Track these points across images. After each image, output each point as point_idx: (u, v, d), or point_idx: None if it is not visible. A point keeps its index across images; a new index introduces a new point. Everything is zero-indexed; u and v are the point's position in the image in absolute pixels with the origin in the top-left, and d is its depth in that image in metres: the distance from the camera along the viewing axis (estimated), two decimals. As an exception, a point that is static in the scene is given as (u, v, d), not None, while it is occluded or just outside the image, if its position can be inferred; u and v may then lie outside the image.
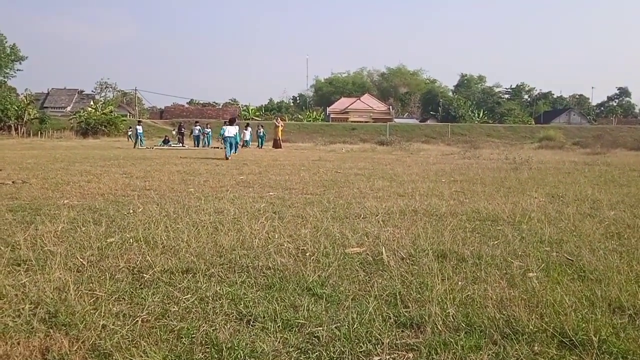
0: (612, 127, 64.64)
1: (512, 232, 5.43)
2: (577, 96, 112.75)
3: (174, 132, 36.60)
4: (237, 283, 3.58)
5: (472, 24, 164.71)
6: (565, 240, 5.05)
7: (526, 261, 4.21)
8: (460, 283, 3.58)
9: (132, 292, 3.38)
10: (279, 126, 31.72)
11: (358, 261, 4.23)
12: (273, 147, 30.96)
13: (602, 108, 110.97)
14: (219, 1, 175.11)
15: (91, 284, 3.47)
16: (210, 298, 3.28)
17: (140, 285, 3.52)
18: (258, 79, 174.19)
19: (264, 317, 2.97)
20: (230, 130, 20.93)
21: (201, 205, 7.06)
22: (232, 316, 3.02)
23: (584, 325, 2.83)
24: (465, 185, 10.13)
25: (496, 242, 4.97)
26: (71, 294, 3.22)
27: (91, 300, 3.19)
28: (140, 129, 34.36)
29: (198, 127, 35.13)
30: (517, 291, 3.42)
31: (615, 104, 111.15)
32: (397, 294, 3.35)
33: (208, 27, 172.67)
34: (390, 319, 2.97)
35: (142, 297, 3.27)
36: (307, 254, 4.38)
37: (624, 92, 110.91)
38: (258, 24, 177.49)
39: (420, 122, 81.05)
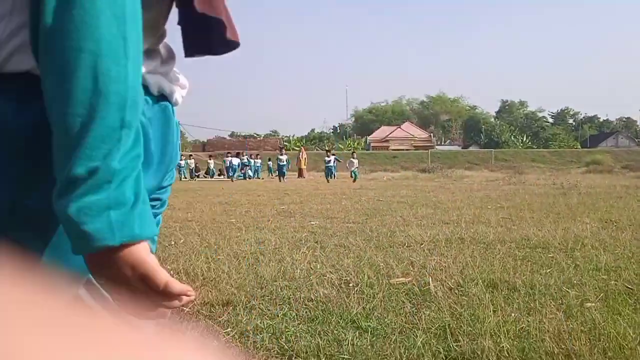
0: (663, 150, 62.67)
1: (565, 259, 5.18)
2: (624, 119, 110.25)
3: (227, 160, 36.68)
4: (278, 316, 3.45)
5: (510, 49, 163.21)
6: (623, 268, 4.77)
7: (583, 290, 3.97)
8: (513, 314, 3.37)
9: (171, 326, 3.29)
10: (301, 157, 32.82)
11: (404, 292, 4.06)
12: (298, 176, 32.12)
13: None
14: (257, 32, 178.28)
15: (130, 318, 3.40)
16: (250, 332, 3.16)
17: (179, 319, 3.43)
18: (299, 110, 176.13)
19: (306, 352, 2.83)
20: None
21: (242, 235, 7.00)
22: (274, 351, 2.89)
23: (652, 360, 2.60)
24: (512, 212, 9.83)
25: (549, 270, 4.73)
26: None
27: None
28: (230, 160, 35.33)
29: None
30: (575, 323, 3.19)
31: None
32: (447, 327, 3.17)
33: (248, 59, 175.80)
34: (441, 353, 2.79)
35: (181, 332, 3.18)
36: (351, 285, 4.24)
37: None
38: (298, 54, 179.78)
39: (462, 148, 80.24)
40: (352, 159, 28.37)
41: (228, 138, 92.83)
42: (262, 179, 33.22)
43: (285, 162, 27.51)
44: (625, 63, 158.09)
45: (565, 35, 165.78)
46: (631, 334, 2.96)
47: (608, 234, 6.83)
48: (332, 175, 28.44)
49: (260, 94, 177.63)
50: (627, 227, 7.37)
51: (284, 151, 29.66)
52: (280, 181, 25.67)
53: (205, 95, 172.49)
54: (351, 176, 27.19)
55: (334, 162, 28.15)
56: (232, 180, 30.38)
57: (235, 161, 34.19)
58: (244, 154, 39.94)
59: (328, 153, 28.52)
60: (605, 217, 8.77)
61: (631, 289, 4.05)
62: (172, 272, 4.70)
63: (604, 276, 4.50)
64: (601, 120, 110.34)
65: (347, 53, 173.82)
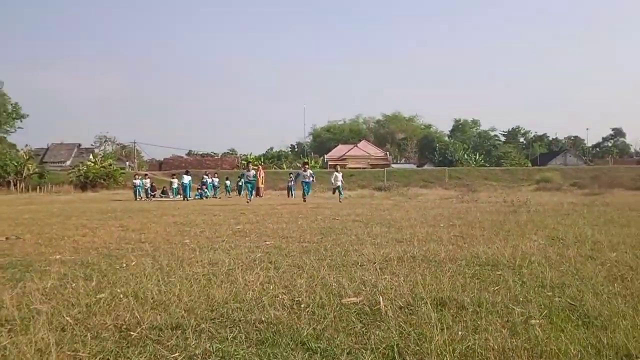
0: (609, 168, 64.75)
1: (512, 277, 5.31)
2: (572, 138, 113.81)
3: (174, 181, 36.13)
4: (228, 339, 3.44)
5: (462, 69, 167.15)
6: (568, 284, 4.92)
7: (528, 307, 4.07)
8: (460, 333, 3.44)
9: (117, 352, 3.23)
10: (259, 176, 32.84)
11: (355, 312, 4.10)
12: (256, 195, 31.67)
13: (597, 149, 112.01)
14: (212, 52, 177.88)
15: (75, 344, 3.33)
16: (199, 356, 3.14)
17: (127, 344, 3.38)
18: (256, 129, 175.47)
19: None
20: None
21: (195, 257, 6.93)
22: (222, 375, 2.88)
23: (591, 375, 2.69)
24: (464, 230, 10.01)
25: (497, 287, 4.84)
26: (53, 356, 3.08)
27: (74, 362, 3.05)
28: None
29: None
30: (519, 340, 3.28)
31: (610, 145, 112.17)
32: (395, 347, 3.21)
33: (204, 79, 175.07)
34: (388, 373, 2.83)
35: (128, 357, 3.13)
36: (302, 306, 4.25)
37: (618, 132, 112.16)
38: (255, 74, 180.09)
39: (417, 167, 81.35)
40: (336, 173, 24.04)
41: (185, 157, 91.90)
42: (219, 197, 32.94)
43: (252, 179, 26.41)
44: (572, 83, 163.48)
45: (515, 55, 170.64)
46: (572, 350, 3.05)
47: (554, 251, 7.03)
48: (295, 192, 28.39)
49: (218, 112, 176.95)
50: (573, 244, 7.60)
51: (250, 166, 28.00)
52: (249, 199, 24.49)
53: (161, 114, 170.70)
54: (334, 193, 24.97)
55: (310, 177, 24.18)
56: (187, 200, 30.02)
57: (187, 179, 33.74)
58: (207, 173, 39.64)
59: (305, 166, 25.64)
60: (553, 234, 9.01)
61: (574, 305, 4.17)
62: (121, 295, 4.63)
63: (549, 293, 4.62)
64: (550, 138, 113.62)
65: (305, 72, 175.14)
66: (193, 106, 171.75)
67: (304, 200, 22.32)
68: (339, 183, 23.70)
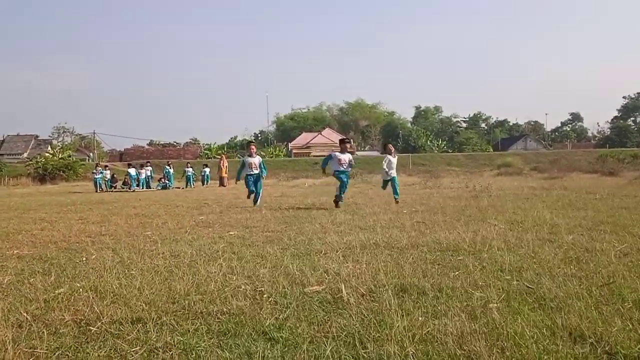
0: (567, 152, 66.21)
1: (473, 261, 5.39)
2: (532, 123, 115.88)
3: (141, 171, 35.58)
4: (189, 331, 3.41)
5: (424, 56, 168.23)
6: (525, 268, 5.02)
7: (487, 292, 4.15)
8: (420, 318, 3.49)
9: (76, 347, 3.18)
10: (223, 165, 32.86)
11: (317, 300, 4.11)
12: (219, 185, 31.90)
13: (556, 133, 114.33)
14: (173, 40, 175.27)
15: (32, 341, 3.26)
16: (160, 349, 3.11)
17: (85, 339, 3.32)
18: (219, 118, 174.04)
19: (216, 367, 2.82)
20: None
21: (157, 248, 6.86)
22: (183, 368, 2.86)
23: (545, 357, 2.76)
24: (426, 216, 10.13)
25: (457, 273, 4.91)
26: (9, 353, 3.02)
27: (31, 359, 2.99)
28: (190, 170, 35.49)
29: (191, 169, 35.60)
30: (477, 324, 3.34)
31: (568, 129, 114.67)
32: (356, 334, 3.24)
33: (165, 67, 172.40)
34: (349, 361, 2.85)
35: (87, 352, 3.09)
36: (265, 296, 4.25)
37: (576, 117, 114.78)
38: (216, 62, 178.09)
39: (381, 154, 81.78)
40: (390, 157, 15.08)
41: (146, 147, 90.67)
42: (181, 188, 32.58)
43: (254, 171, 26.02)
44: (532, 69, 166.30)
45: (475, 42, 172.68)
46: (528, 333, 3.12)
47: (514, 235, 7.16)
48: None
49: (179, 101, 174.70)
50: (532, 228, 7.76)
51: (253, 149, 27.10)
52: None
53: (122, 103, 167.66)
54: (384, 188, 15.73)
55: (349, 164, 21.47)
56: (134, 191, 29.74)
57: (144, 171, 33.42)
58: (169, 163, 39.20)
59: (346, 144, 23.83)
60: (513, 218, 9.19)
61: (531, 288, 4.27)
62: (81, 289, 4.56)
63: (507, 277, 4.71)
64: (511, 124, 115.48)
65: (267, 59, 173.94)
66: (154, 95, 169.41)
67: (338, 203, 13.04)
68: (394, 172, 14.90)
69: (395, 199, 13.91)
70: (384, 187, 15.60)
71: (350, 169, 13.88)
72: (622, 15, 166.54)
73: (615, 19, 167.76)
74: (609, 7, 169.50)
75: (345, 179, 13.58)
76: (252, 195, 14.31)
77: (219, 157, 42.95)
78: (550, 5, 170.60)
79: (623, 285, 4.20)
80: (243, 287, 4.54)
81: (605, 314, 3.49)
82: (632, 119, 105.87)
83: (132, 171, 32.80)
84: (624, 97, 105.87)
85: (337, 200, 13.10)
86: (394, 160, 15.06)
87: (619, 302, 3.75)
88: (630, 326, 3.23)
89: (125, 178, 33.24)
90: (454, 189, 19.77)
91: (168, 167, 36.55)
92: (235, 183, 16.69)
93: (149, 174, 34.55)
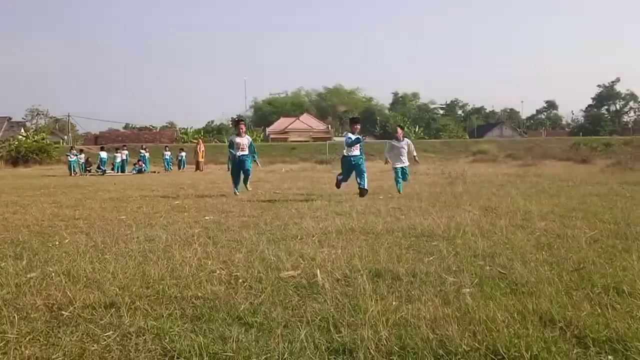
0: (542, 139, 66.79)
1: (447, 247, 5.44)
2: (508, 110, 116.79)
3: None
4: (163, 316, 3.40)
5: (402, 42, 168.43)
6: (498, 254, 5.08)
7: (460, 277, 4.19)
8: (394, 303, 3.52)
9: (48, 332, 3.15)
10: (199, 150, 32.89)
11: (292, 285, 4.12)
12: (196, 169, 31.91)
13: (532, 121, 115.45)
14: (150, 24, 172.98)
15: (3, 325, 3.22)
16: (133, 334, 3.09)
17: (57, 324, 3.29)
18: (196, 102, 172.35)
19: (189, 352, 2.81)
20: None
21: (132, 233, 6.81)
22: (156, 352, 2.85)
23: (516, 341, 2.80)
24: (402, 202, 10.19)
25: (431, 258, 4.96)
26: (-21, 339, 2.98)
27: (1, 344, 2.95)
28: (168, 154, 36.02)
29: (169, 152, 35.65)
30: (450, 309, 3.37)
31: (544, 117, 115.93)
32: (330, 318, 3.25)
33: (141, 50, 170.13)
34: (322, 345, 2.87)
35: (59, 337, 3.05)
36: (240, 281, 4.25)
37: (551, 105, 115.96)
38: (194, 46, 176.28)
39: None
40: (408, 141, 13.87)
41: (122, 130, 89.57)
42: (158, 172, 32.26)
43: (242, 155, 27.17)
44: (508, 56, 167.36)
45: (452, 29, 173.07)
46: (499, 317, 3.17)
47: (488, 221, 7.24)
48: None
49: (156, 85, 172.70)
50: (505, 214, 7.85)
51: (242, 128, 27.28)
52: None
53: (97, 86, 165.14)
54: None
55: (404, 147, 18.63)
56: (103, 173, 29.75)
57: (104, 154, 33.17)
58: (143, 147, 38.79)
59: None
60: (487, 204, 9.28)
61: (504, 273, 4.32)
62: (53, 274, 4.50)
63: (480, 262, 4.77)
64: (487, 111, 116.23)
65: (245, 43, 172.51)
66: (130, 79, 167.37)
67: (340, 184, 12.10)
68: (400, 162, 13.14)
69: (399, 190, 12.39)
70: (399, 178, 12.95)
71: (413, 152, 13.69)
72: (598, 4, 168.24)
73: (592, 8, 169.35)
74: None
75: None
76: (237, 187, 12.97)
77: (196, 141, 42.65)
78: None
79: (593, 271, 4.28)
80: (218, 272, 4.53)
81: (575, 299, 3.55)
82: (605, 107, 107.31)
83: (104, 154, 32.58)
84: (598, 86, 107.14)
85: (339, 182, 12.07)
86: (399, 145, 13.17)
87: (589, 287, 3.82)
88: (599, 311, 3.29)
89: (98, 163, 32.86)
90: (429, 175, 19.93)
91: (143, 151, 36.18)
92: (228, 170, 13.92)
93: (124, 157, 34.22)
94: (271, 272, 4.52)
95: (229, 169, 13.71)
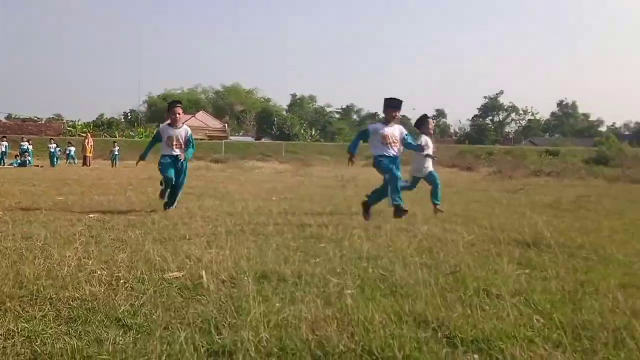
0: (432, 146, 69.68)
1: (334, 249, 5.57)
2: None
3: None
4: (36, 318, 3.24)
5: (302, 46, 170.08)
6: (382, 256, 5.27)
7: (344, 279, 4.30)
8: (277, 305, 3.56)
9: None
10: (87, 144, 31.88)
11: (177, 287, 4.07)
12: (83, 164, 30.87)
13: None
14: (36, 9, 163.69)
15: None
16: (2, 337, 2.94)
17: None
18: (87, 94, 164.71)
19: (61, 355, 2.71)
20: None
21: (8, 230, 6.42)
22: (26, 356, 2.72)
23: (390, 341, 2.92)
24: (294, 203, 10.30)
25: (318, 260, 5.05)
26: None
27: None
28: (54, 147, 33.66)
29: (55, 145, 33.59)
30: (332, 310, 3.46)
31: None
32: (212, 321, 3.24)
33: (27, 36, 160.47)
34: (202, 347, 2.85)
35: None
36: (122, 282, 4.13)
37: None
38: (85, 36, 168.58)
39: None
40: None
41: (4, 121, 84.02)
42: (42, 167, 30.54)
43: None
44: (401, 65, 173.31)
45: (351, 36, 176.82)
46: (377, 318, 3.29)
47: (375, 224, 7.48)
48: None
49: (42, 73, 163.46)
50: (392, 218, 8.11)
51: (178, 113, 26.41)
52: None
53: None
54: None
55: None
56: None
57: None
58: (24, 139, 36.58)
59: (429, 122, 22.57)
60: (375, 208, 9.52)
61: (385, 275, 4.49)
62: None
63: (364, 264, 4.92)
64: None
65: (140, 36, 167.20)
66: (13, 66, 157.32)
67: (369, 210, 8.47)
68: (431, 165, 10.07)
69: (436, 205, 9.44)
70: (412, 186, 10.06)
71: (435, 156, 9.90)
72: (480, 19, 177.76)
73: (468, 24, 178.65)
74: (467, 9, 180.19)
75: (435, 187, 9.54)
76: (167, 190, 9.21)
77: (84, 135, 40.89)
78: (414, 5, 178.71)
79: (467, 274, 4.54)
80: (99, 272, 4.37)
81: (449, 301, 3.76)
82: (490, 118, 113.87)
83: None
84: (484, 97, 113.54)
85: (369, 204, 8.40)
86: (432, 145, 10.06)
87: (462, 290, 4.05)
88: (469, 312, 3.50)
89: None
90: (324, 178, 20.26)
91: (25, 144, 34.16)
92: (136, 165, 10.85)
93: (4, 149, 32.16)
94: (155, 273, 4.43)
95: (162, 184, 9.25)
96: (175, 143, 9.14)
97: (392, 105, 8.52)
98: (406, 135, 8.50)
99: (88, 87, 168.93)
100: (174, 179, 9.05)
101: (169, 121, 9.51)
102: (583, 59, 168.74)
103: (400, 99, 8.60)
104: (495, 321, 3.33)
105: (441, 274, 4.53)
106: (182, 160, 9.23)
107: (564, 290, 4.14)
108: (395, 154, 8.22)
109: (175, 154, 9.15)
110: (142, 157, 9.58)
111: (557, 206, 10.88)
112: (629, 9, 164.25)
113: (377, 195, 8.36)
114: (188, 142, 9.37)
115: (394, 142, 8.24)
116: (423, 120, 10.21)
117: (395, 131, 8.36)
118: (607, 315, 3.48)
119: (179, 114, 9.29)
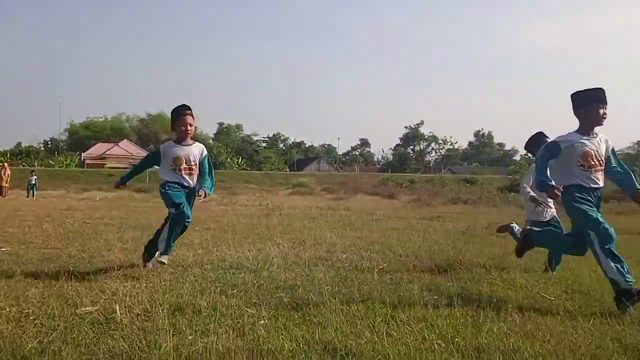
0: (355, 174, 70.50)
1: (252, 279, 5.63)
2: (326, 145, 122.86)
3: None
4: (-64, 360, 3.16)
5: (229, 73, 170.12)
6: (299, 285, 5.38)
7: (259, 309, 4.39)
8: (190, 337, 3.60)
9: None
10: (4, 174, 30.70)
11: (89, 321, 4.02)
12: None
13: (347, 157, 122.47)
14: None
15: None
16: None
17: None
18: (3, 122, 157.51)
19: (-38, 397, 2.66)
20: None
21: None
22: None
23: (297, 369, 3.03)
24: (216, 233, 10.29)
25: (235, 290, 5.10)
26: None
27: None
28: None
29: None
30: (244, 341, 3.54)
31: (358, 153, 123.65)
32: (123, 355, 3.25)
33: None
34: (111, 382, 2.87)
35: None
36: (31, 318, 4.05)
37: (365, 142, 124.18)
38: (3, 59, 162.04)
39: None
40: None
41: None
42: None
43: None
44: (326, 93, 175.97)
45: (278, 66, 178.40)
46: (287, 347, 3.39)
47: (294, 253, 7.60)
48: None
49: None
50: (312, 247, 8.29)
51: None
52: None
53: None
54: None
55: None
56: None
57: None
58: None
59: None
60: (297, 237, 9.71)
61: (299, 304, 4.60)
62: None
63: (281, 294, 5.02)
64: (307, 145, 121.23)
65: (64, 63, 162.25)
66: None
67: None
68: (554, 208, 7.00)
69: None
70: (540, 240, 5.87)
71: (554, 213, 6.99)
72: (405, 52, 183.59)
73: (399, 55, 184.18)
74: (390, 44, 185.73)
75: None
76: (177, 234, 6.40)
77: (0, 164, 39.10)
78: (342, 38, 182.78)
79: (377, 301, 4.71)
80: (8, 309, 4.27)
81: (358, 328, 3.91)
82: (411, 147, 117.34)
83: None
84: (405, 127, 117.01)
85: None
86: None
87: (372, 317, 4.22)
88: (377, 339, 3.66)
89: None
90: (248, 207, 20.25)
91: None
92: (114, 188, 7.70)
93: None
94: (67, 308, 4.36)
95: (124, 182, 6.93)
96: (184, 166, 6.27)
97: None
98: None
99: (4, 114, 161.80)
100: (190, 216, 6.26)
101: (179, 134, 6.55)
102: (496, 90, 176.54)
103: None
104: (400, 346, 3.50)
105: (353, 302, 4.69)
106: (199, 196, 6.38)
107: (467, 314, 4.38)
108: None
109: (185, 183, 6.30)
110: (123, 180, 6.88)
111: (471, 232, 11.37)
112: (532, 40, 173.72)
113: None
114: (204, 168, 6.50)
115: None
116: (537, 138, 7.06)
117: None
118: (502, 337, 3.73)
119: (190, 124, 6.45)
